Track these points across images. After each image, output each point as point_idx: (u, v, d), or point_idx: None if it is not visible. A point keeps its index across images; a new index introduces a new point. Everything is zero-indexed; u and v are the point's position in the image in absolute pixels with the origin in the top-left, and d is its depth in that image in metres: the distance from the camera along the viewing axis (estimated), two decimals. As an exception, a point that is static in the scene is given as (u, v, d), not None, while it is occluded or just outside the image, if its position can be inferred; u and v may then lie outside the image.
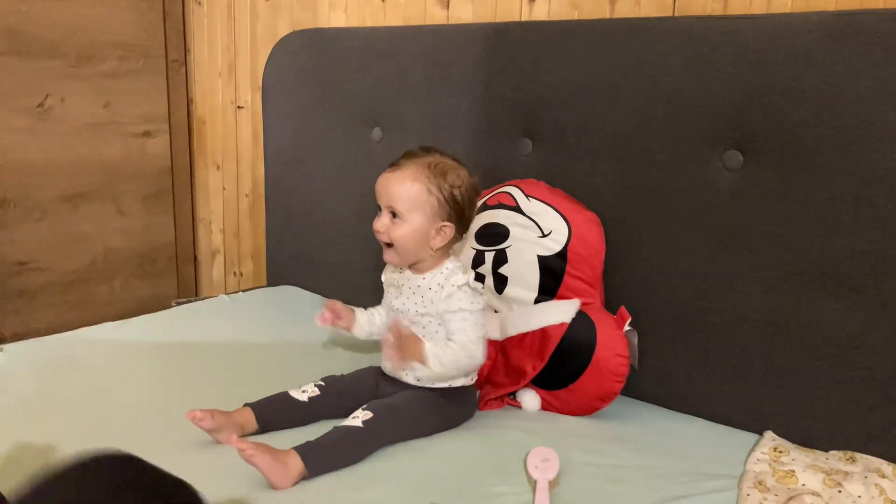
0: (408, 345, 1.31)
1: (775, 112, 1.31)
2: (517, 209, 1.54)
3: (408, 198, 1.34)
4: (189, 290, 2.82)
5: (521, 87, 1.64)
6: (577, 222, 1.50)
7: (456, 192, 1.35)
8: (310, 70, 2.10)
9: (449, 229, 1.36)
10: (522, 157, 1.66)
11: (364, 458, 1.24)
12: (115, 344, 1.74)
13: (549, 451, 1.25)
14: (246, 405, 1.35)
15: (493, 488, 1.17)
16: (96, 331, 1.82)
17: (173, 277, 2.75)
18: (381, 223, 1.37)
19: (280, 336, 1.84)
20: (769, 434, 1.35)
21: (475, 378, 1.45)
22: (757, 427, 1.39)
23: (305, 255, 2.23)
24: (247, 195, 2.61)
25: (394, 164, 1.38)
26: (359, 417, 1.27)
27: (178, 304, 2.20)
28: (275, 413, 1.36)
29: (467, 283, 1.36)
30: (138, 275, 2.64)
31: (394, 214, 1.35)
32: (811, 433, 1.33)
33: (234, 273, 2.73)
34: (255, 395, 1.38)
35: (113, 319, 1.91)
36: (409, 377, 1.39)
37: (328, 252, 2.16)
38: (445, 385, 1.39)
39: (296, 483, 1.16)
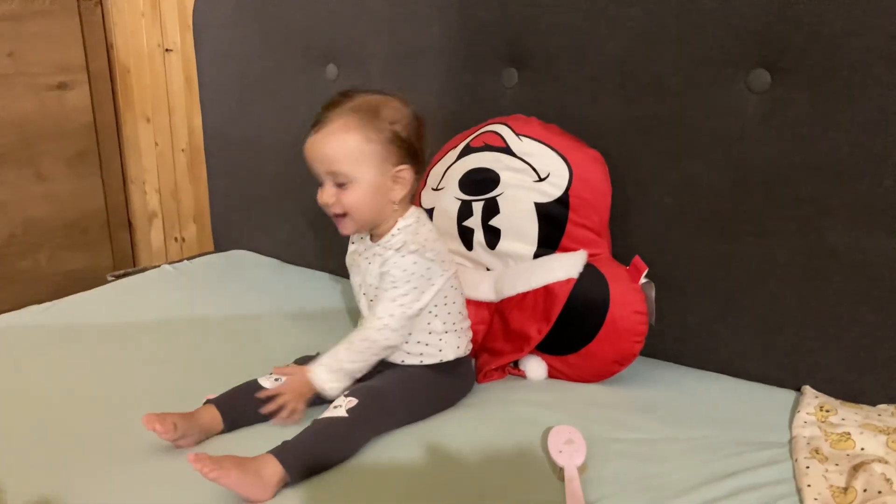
0: (291, 390, 1.13)
1: (811, 21, 1.13)
2: (507, 150, 1.34)
3: (347, 154, 1.14)
4: (126, 259, 2.55)
5: (504, 6, 1.42)
6: (579, 162, 1.30)
7: (398, 127, 1.16)
8: (249, 2, 1.83)
9: (407, 172, 1.17)
10: (507, 91, 1.45)
11: (353, 453, 1.06)
12: (45, 330, 1.50)
13: (571, 430, 1.08)
14: (208, 401, 1.14)
15: (516, 481, 1.00)
16: (20, 316, 1.58)
17: (107, 247, 2.48)
18: (327, 194, 1.16)
19: (237, 309, 1.63)
20: (809, 390, 1.21)
21: (470, 348, 1.26)
22: (792, 383, 1.25)
23: (257, 216, 2.00)
24: (183, 150, 2.34)
25: (316, 124, 1.17)
26: (342, 406, 1.08)
27: (116, 277, 1.95)
28: (242, 407, 1.15)
29: (405, 245, 1.16)
30: (66, 246, 2.36)
31: (339, 183, 1.14)
32: (856, 386, 1.19)
33: (176, 238, 2.47)
34: (218, 382, 1.18)
35: (41, 300, 1.66)
36: (398, 354, 1.20)
37: (283, 211, 1.93)
38: (437, 360, 1.21)
39: (277, 492, 0.97)
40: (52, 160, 2.30)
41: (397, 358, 1.21)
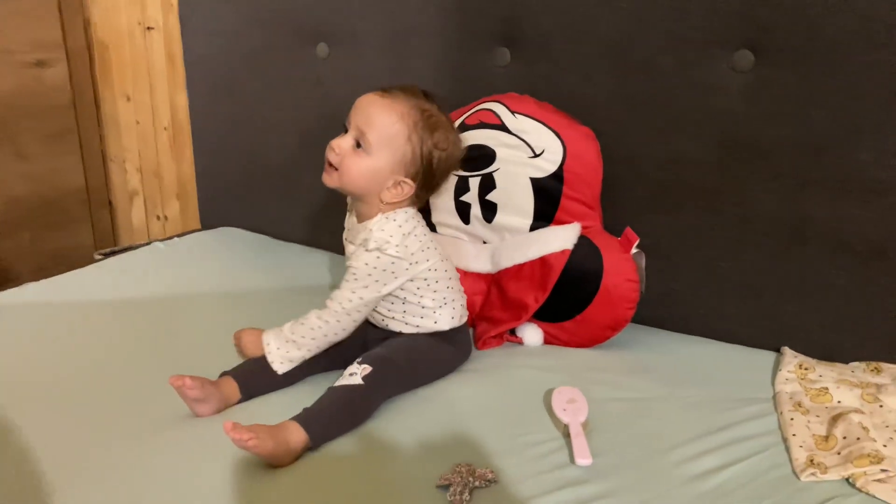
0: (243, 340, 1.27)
1: (792, 2, 1.20)
2: (502, 127, 1.39)
3: (386, 132, 1.16)
4: (107, 238, 2.54)
5: (497, -13, 1.46)
6: (572, 139, 1.36)
7: (436, 154, 1.19)
8: (236, -20, 1.84)
9: (408, 188, 1.19)
10: (500, 69, 1.50)
11: (368, 417, 1.11)
12: (44, 307, 1.50)
13: (573, 390, 1.15)
14: (224, 374, 1.18)
15: (523, 437, 1.06)
16: (17, 294, 1.57)
17: (87, 226, 2.46)
18: (341, 144, 1.18)
19: (236, 285, 1.65)
20: (788, 350, 1.30)
21: (466, 316, 1.32)
22: (772, 344, 1.33)
23: (244, 193, 2.02)
24: (165, 128, 2.33)
25: (385, 90, 1.20)
26: (357, 374, 1.12)
27: (103, 255, 1.95)
28: (257, 377, 1.20)
29: (375, 242, 1.17)
30: (47, 225, 2.34)
31: (358, 143, 1.18)
32: (832, 346, 1.28)
33: (158, 217, 2.47)
34: (220, 357, 1.24)
35: (27, 278, 1.65)
36: (396, 324, 1.25)
37: (272, 187, 1.95)
38: (433, 330, 1.25)
39: (298, 458, 1.01)
40: (30, 138, 2.27)
41: (396, 328, 1.26)
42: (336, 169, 1.20)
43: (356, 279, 1.18)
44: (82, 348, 1.33)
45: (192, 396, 1.09)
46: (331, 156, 1.20)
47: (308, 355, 1.21)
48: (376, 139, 1.16)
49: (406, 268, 1.19)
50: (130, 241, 2.50)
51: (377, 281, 1.18)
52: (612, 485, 0.95)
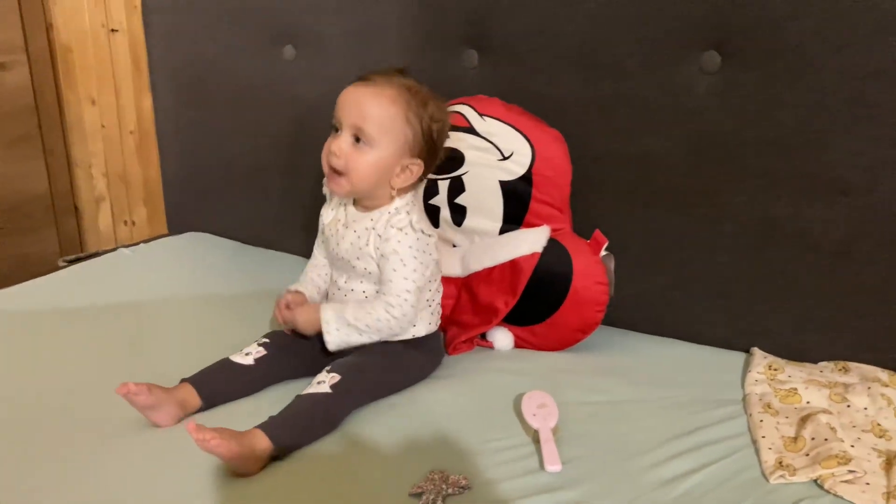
0: (298, 317, 1.20)
1: (757, 5, 1.20)
2: (471, 130, 1.38)
3: (383, 120, 1.14)
4: (73, 244, 2.49)
5: (464, -12, 1.45)
6: (540, 141, 1.35)
7: (435, 126, 1.18)
8: (201, -19, 1.81)
9: (417, 168, 1.19)
10: (469, 71, 1.48)
11: (337, 426, 1.09)
12: (5, 316, 1.46)
13: (543, 395, 1.14)
14: (183, 381, 1.15)
15: (492, 443, 1.05)
16: (-24, 303, 1.53)
17: (52, 232, 2.40)
18: (340, 146, 1.16)
19: (202, 290, 1.63)
20: (758, 351, 1.30)
21: (439, 322, 1.31)
22: (742, 345, 1.34)
23: (212, 197, 1.98)
24: (132, 132, 2.29)
25: (364, 78, 1.18)
26: (325, 382, 1.10)
27: (68, 262, 1.91)
28: (218, 384, 1.16)
29: (409, 224, 1.17)
30: (10, 231, 2.29)
31: (357, 138, 1.15)
32: (801, 346, 1.29)
33: (126, 222, 2.43)
34: (190, 365, 1.19)
35: (-10, 286, 1.61)
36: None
37: (240, 191, 1.92)
38: (410, 336, 1.24)
39: (265, 467, 0.99)
40: (-9, 143, 2.23)
41: None
42: (341, 174, 1.17)
43: (404, 264, 1.17)
44: (45, 357, 1.30)
45: (141, 403, 1.06)
46: (333, 161, 1.17)
47: (366, 342, 1.19)
48: (376, 129, 1.14)
49: (435, 251, 1.21)
50: (98, 247, 2.45)
51: (422, 263, 1.18)
52: (584, 490, 0.94)
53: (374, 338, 1.19)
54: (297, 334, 1.24)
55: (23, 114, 2.27)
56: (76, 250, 2.49)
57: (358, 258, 1.21)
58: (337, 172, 1.17)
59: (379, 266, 1.20)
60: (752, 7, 1.20)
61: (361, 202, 1.23)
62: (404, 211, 1.19)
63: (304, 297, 1.28)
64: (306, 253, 1.76)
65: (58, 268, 1.85)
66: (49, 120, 2.35)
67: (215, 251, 1.90)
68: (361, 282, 1.23)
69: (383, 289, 1.19)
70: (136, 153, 2.31)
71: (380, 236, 1.19)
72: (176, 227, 2.08)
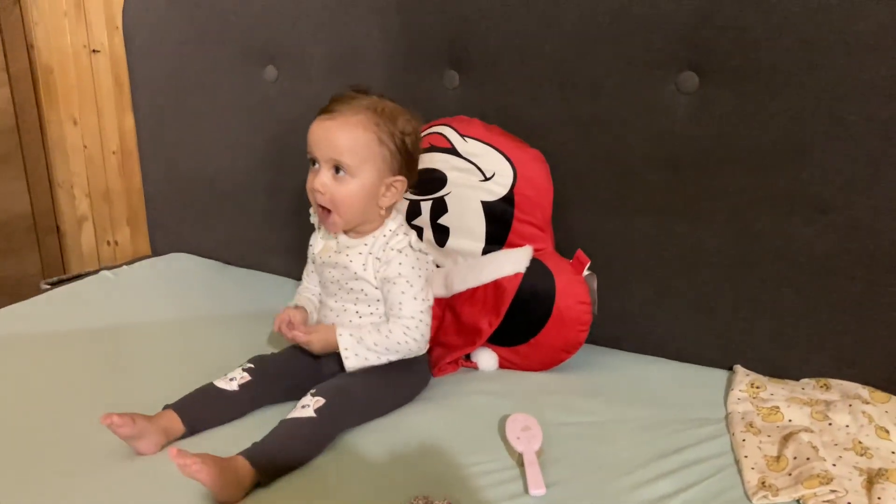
0: (314, 339, 1.20)
1: (733, 26, 1.21)
2: (453, 151, 1.38)
3: (358, 149, 1.15)
4: (55, 265, 2.47)
5: (443, 9, 1.45)
6: (521, 161, 1.36)
7: (408, 139, 1.19)
8: (183, 2, 1.80)
9: (401, 184, 1.20)
10: (449, 92, 1.49)
11: (321, 451, 1.08)
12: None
13: (527, 417, 1.14)
14: (166, 407, 1.14)
15: (477, 467, 1.04)
16: (-46, 330, 1.52)
17: (34, 253, 2.40)
18: (322, 181, 1.17)
19: (185, 313, 1.62)
20: (740, 369, 1.31)
21: (427, 345, 1.30)
22: (724, 362, 1.34)
23: (196, 218, 1.98)
24: (114, 152, 2.28)
25: (327, 111, 1.18)
26: (309, 406, 1.10)
27: (50, 284, 1.90)
28: (202, 410, 1.15)
29: (409, 245, 1.20)
30: (-9, 253, 2.28)
31: (337, 169, 1.16)
32: (782, 363, 1.30)
33: (109, 242, 2.42)
34: (174, 388, 1.17)
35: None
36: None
37: (223, 212, 1.91)
38: (397, 357, 1.23)
39: (248, 493, 0.98)
40: (-29, 164, 2.21)
41: None
42: (330, 210, 1.18)
43: (411, 285, 1.19)
44: (26, 383, 1.29)
45: (124, 434, 1.05)
46: (319, 198, 1.18)
47: (383, 362, 1.20)
48: (353, 159, 1.15)
49: (434, 264, 1.25)
50: (81, 268, 2.44)
51: (427, 282, 1.22)
52: (567, 514, 0.94)
53: (393, 359, 1.20)
54: (301, 349, 1.24)
55: (4, 134, 2.27)
56: (59, 271, 2.47)
57: (354, 281, 1.22)
58: (324, 209, 1.19)
59: (383, 290, 1.21)
60: (729, 28, 1.21)
61: (354, 228, 1.24)
62: (401, 232, 1.21)
63: (306, 313, 1.29)
64: (289, 273, 1.78)
65: (40, 290, 1.83)
66: (31, 140, 2.34)
67: (197, 272, 1.89)
68: (355, 303, 1.24)
69: (395, 312, 1.20)
70: (119, 173, 2.30)
71: (378, 259, 1.20)
72: (159, 246, 2.07)
